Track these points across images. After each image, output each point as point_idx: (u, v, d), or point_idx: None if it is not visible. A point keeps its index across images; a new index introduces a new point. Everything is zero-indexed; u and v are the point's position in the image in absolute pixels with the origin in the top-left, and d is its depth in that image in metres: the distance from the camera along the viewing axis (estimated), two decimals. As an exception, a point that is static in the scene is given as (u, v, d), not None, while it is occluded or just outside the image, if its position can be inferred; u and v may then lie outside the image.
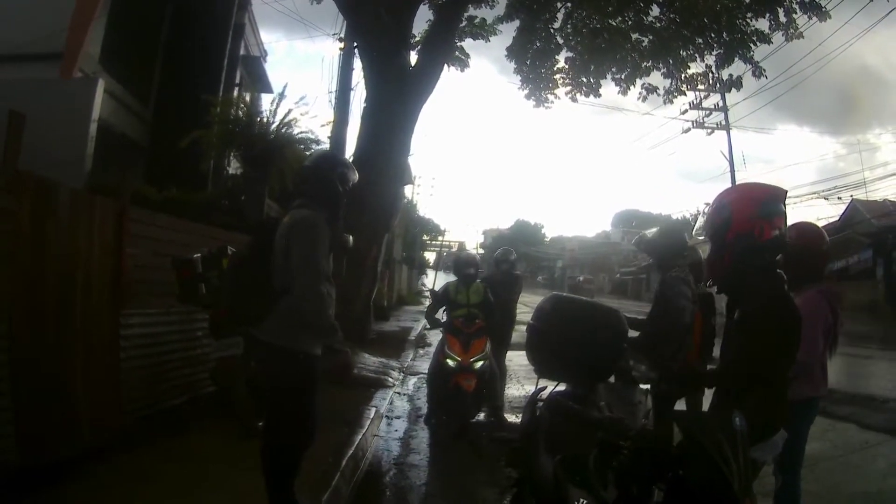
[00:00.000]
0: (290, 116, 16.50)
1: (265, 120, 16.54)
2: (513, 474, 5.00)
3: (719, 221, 4.05)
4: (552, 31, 22.52)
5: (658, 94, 22.52)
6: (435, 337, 14.83)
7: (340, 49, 20.18)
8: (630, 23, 21.04)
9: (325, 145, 18.03)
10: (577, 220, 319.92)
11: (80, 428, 6.99)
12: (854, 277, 42.54)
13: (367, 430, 9.61)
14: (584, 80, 23.09)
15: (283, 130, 16.35)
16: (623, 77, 22.11)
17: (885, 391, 13.92)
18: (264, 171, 15.87)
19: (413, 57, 18.92)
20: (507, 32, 22.95)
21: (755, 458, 3.61)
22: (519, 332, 10.30)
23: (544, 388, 4.66)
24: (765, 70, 20.48)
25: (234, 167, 21.02)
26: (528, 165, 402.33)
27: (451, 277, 12.35)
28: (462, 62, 23.46)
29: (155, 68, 22.34)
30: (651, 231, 7.97)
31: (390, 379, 14.34)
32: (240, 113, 16.94)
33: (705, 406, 6.75)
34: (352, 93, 19.40)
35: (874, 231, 42.12)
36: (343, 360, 5.69)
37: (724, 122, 44.17)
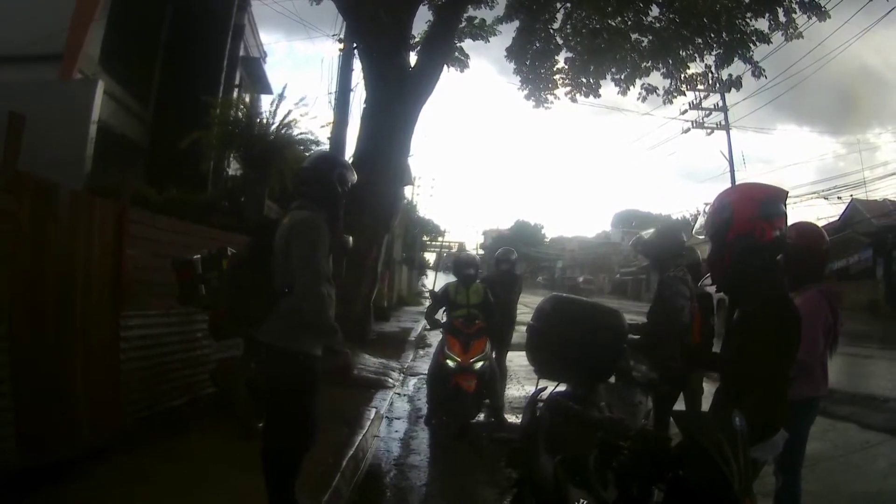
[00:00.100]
0: (290, 117, 16.54)
1: (265, 121, 16.57)
2: (513, 475, 4.99)
3: (720, 221, 4.04)
4: (552, 31, 22.53)
5: (658, 95, 22.53)
6: (435, 337, 14.84)
7: (340, 50, 20.19)
8: (629, 23, 21.04)
9: (325, 146, 18.06)
10: (578, 220, 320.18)
11: (80, 428, 7.00)
12: (854, 277, 42.53)
13: (367, 431, 9.62)
14: (584, 80, 23.09)
15: (282, 131, 16.38)
16: (623, 77, 22.11)
17: (886, 391, 13.90)
18: (264, 173, 15.89)
19: (413, 58, 18.93)
20: (507, 33, 23.02)
21: (755, 458, 3.60)
22: (519, 333, 10.30)
23: (544, 388, 4.65)
24: (764, 70, 20.48)
25: (233, 168, 21.04)
26: (528, 166, 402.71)
27: (451, 278, 12.36)
28: (462, 63, 23.44)
29: (155, 69, 22.37)
30: (648, 232, 8.01)
31: (390, 380, 14.34)
32: (239, 114, 16.97)
33: (705, 406, 6.77)
34: (351, 94, 19.42)
35: (874, 231, 42.11)
36: (343, 361, 5.70)
37: (723, 122, 44.17)
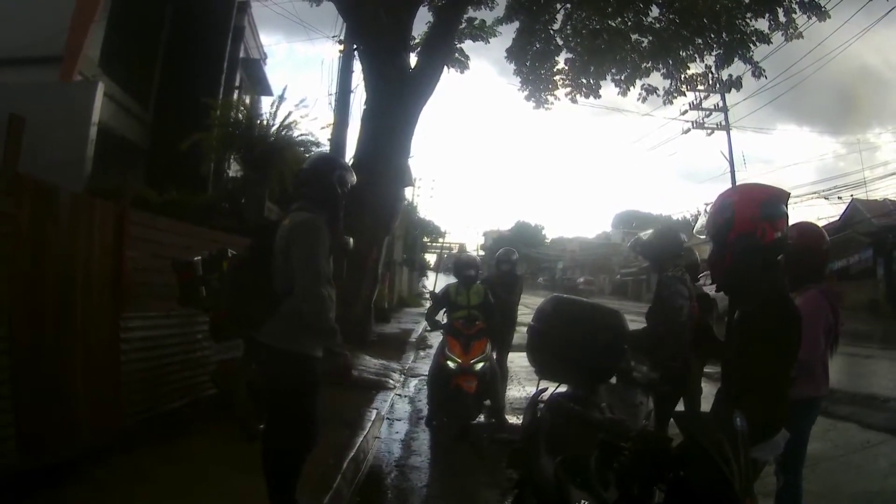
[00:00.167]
0: (290, 119, 16.55)
1: (265, 122, 16.57)
2: (514, 476, 5.00)
3: (721, 221, 4.03)
4: (552, 32, 22.56)
5: (658, 95, 22.57)
6: (436, 339, 14.84)
7: (340, 51, 20.20)
8: (629, 24, 21.07)
9: (326, 147, 18.06)
10: (578, 221, 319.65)
11: (80, 430, 6.99)
12: (854, 277, 42.53)
13: (368, 432, 9.63)
14: (584, 81, 23.12)
15: (283, 133, 16.38)
16: (623, 78, 22.14)
17: (886, 390, 13.91)
18: (264, 174, 15.89)
19: (413, 59, 18.94)
20: (507, 34, 23.14)
21: (756, 458, 3.60)
22: (520, 334, 10.30)
23: (545, 389, 4.65)
24: (764, 70, 20.51)
25: (234, 170, 21.03)
26: (528, 167, 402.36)
27: (452, 279, 12.35)
28: (462, 64, 23.49)
29: (155, 71, 22.37)
30: (647, 233, 8.03)
31: (391, 381, 14.34)
32: (240, 116, 16.98)
33: (704, 406, 6.76)
34: (352, 95, 19.45)
35: (874, 230, 42.10)
36: (342, 363, 5.69)
37: (723, 123, 44.20)
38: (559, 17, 22.23)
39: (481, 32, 22.64)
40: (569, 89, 23.63)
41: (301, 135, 16.98)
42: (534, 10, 21.60)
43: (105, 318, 7.66)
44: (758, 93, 44.53)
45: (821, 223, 11.55)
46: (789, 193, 4.14)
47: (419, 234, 67.51)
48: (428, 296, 15.15)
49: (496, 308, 11.39)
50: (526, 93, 23.96)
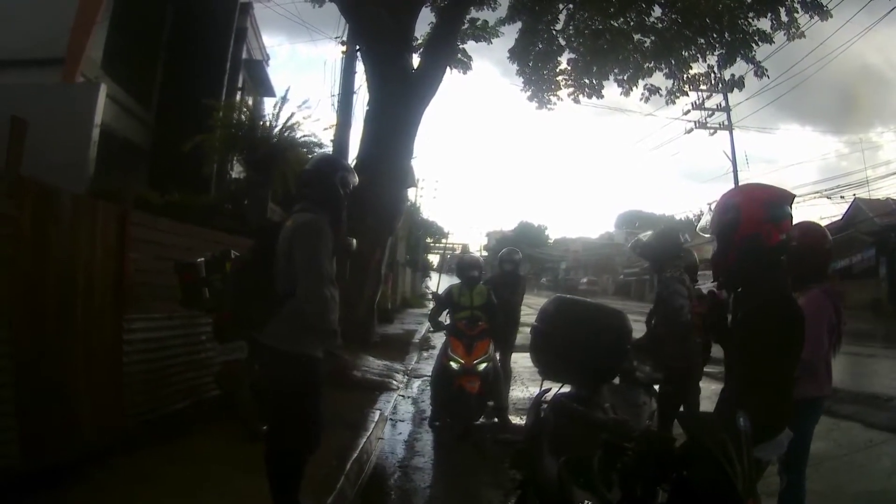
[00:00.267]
0: (293, 120, 16.65)
1: (268, 124, 16.65)
2: (517, 476, 4.99)
3: (726, 221, 4.03)
4: (554, 32, 22.51)
5: (660, 95, 22.51)
6: (439, 339, 14.83)
7: (343, 52, 20.14)
8: (632, 24, 21.04)
9: (328, 149, 18.04)
10: (581, 221, 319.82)
11: (82, 431, 7.00)
12: (857, 276, 42.57)
13: (371, 433, 9.61)
14: (587, 81, 23.08)
15: (285, 134, 16.45)
16: (625, 78, 22.10)
17: (889, 389, 13.90)
18: (267, 175, 15.93)
19: (416, 60, 18.92)
20: (510, 34, 23.05)
21: (760, 458, 3.59)
22: (523, 334, 10.31)
23: (549, 389, 4.64)
24: (767, 70, 20.49)
25: (236, 171, 21.10)
26: (531, 167, 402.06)
27: (455, 280, 12.34)
28: (464, 64, 23.44)
29: (157, 72, 22.44)
30: (646, 234, 8.10)
31: (394, 382, 14.34)
32: (242, 117, 17.05)
33: (703, 406, 6.76)
34: (354, 96, 19.36)
35: (877, 230, 42.15)
36: (340, 366, 5.70)
37: (726, 123, 44.21)
38: (562, 17, 22.20)
39: (484, 33, 22.60)
40: (571, 89, 23.60)
41: (304, 136, 17.09)
42: (536, 10, 21.58)
43: (107, 319, 7.66)
44: (760, 92, 44.83)
45: (823, 222, 11.61)
46: (794, 195, 4.14)
47: (422, 234, 67.51)
48: (431, 297, 15.16)
49: (499, 308, 11.38)
50: (529, 93, 23.92)
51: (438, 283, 41.99)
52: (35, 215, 6.35)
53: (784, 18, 19.46)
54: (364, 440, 9.08)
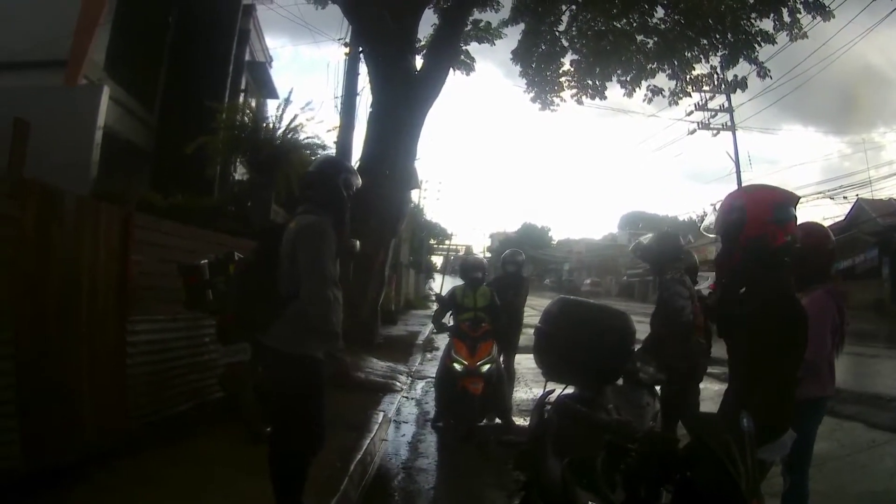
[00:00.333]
0: (296, 122, 16.62)
1: (271, 126, 16.61)
2: (521, 477, 4.99)
3: (731, 221, 4.04)
4: (557, 33, 22.52)
5: (663, 96, 22.52)
6: (443, 341, 14.84)
7: (346, 54, 20.14)
8: (635, 25, 21.04)
9: (332, 150, 18.06)
10: (584, 222, 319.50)
11: (85, 433, 7.01)
12: (860, 276, 42.59)
13: (375, 435, 9.61)
14: (590, 82, 23.09)
15: (289, 136, 16.43)
16: (628, 79, 22.10)
17: (892, 390, 13.91)
18: (270, 177, 15.91)
19: (419, 61, 18.93)
20: (513, 36, 23.06)
21: (763, 459, 3.60)
22: (527, 336, 10.31)
23: (552, 391, 4.65)
24: (769, 70, 20.47)
25: (240, 173, 21.10)
26: (534, 168, 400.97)
27: (459, 281, 12.35)
28: (468, 66, 23.44)
29: (160, 74, 22.43)
30: (647, 237, 8.12)
31: (398, 383, 14.33)
32: (245, 119, 17.01)
33: (708, 407, 6.77)
34: (358, 98, 19.37)
35: (880, 230, 42.16)
36: (343, 367, 5.71)
37: (729, 123, 44.20)
38: (564, 18, 22.22)
39: (487, 34, 22.59)
40: (574, 91, 23.62)
41: (307, 138, 17.06)
42: (539, 11, 21.58)
43: (110, 321, 7.66)
44: (763, 93, 44.90)
45: (826, 223, 11.60)
46: (799, 197, 4.15)
47: (426, 236, 67.48)
48: (434, 298, 15.16)
49: (502, 310, 11.39)
50: (532, 94, 23.93)
51: (442, 284, 42.02)
52: (38, 217, 6.37)
53: (787, 19, 19.46)
54: (368, 441, 9.08)
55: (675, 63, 21.25)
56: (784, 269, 4.11)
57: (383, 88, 17.57)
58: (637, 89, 22.18)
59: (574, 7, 21.57)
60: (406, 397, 13.77)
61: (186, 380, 9.41)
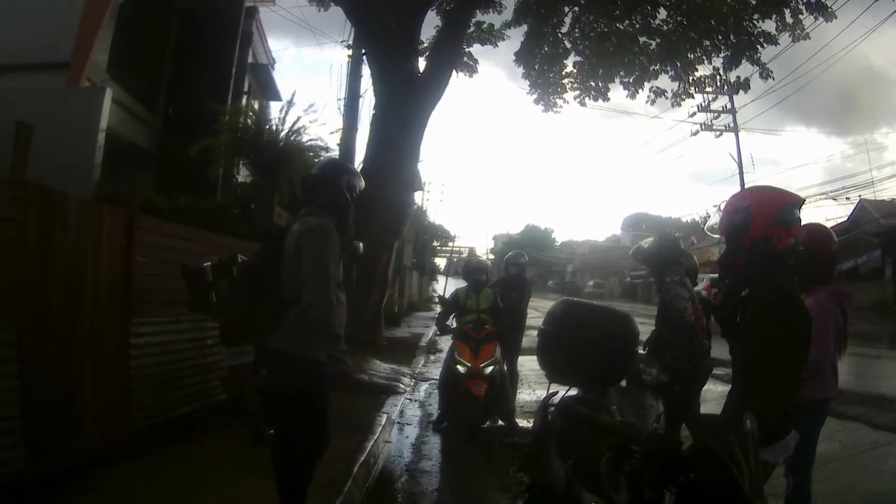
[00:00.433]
0: (299, 124, 16.56)
1: (274, 128, 16.58)
2: (525, 479, 5.01)
3: (736, 222, 4.04)
4: (560, 35, 22.50)
5: (666, 98, 22.53)
6: (446, 343, 14.85)
7: (349, 56, 20.19)
8: (637, 26, 21.04)
9: (335, 153, 18.07)
10: (587, 224, 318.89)
11: (89, 435, 7.01)
12: (863, 277, 42.53)
13: (378, 437, 9.62)
14: (593, 84, 23.10)
15: (292, 138, 16.39)
16: (631, 80, 22.08)
17: (895, 390, 13.90)
18: (273, 179, 15.90)
19: (422, 63, 18.93)
20: (515, 37, 22.97)
21: (766, 461, 3.60)
22: (530, 337, 10.31)
23: (556, 392, 4.65)
24: (772, 72, 20.47)
25: (243, 175, 21.09)
26: (537, 170, 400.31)
27: (462, 283, 12.35)
28: (470, 68, 23.39)
29: (163, 76, 22.42)
30: (647, 241, 8.20)
31: (402, 385, 14.34)
32: (248, 121, 16.98)
33: (711, 409, 6.77)
34: (360, 100, 19.39)
35: (883, 231, 42.11)
36: (346, 370, 5.71)
37: (732, 125, 44.24)
38: (567, 20, 22.21)
39: (489, 36, 22.54)
40: (577, 92, 23.62)
41: (310, 140, 17.02)
42: (541, 13, 21.56)
43: (114, 323, 7.67)
44: (765, 94, 44.85)
45: (829, 224, 11.59)
46: (804, 200, 4.15)
47: (429, 238, 67.53)
48: (437, 300, 15.13)
49: (505, 312, 11.40)
50: (535, 96, 23.93)
51: (445, 286, 42.03)
52: (41, 219, 6.36)
53: (789, 20, 19.46)
54: (371, 443, 9.08)
55: (678, 64, 21.26)
56: (788, 270, 4.11)
57: (386, 90, 17.59)
58: (640, 91, 22.20)
59: (577, 8, 21.57)
60: (409, 399, 13.79)
61: (190, 382, 9.41)
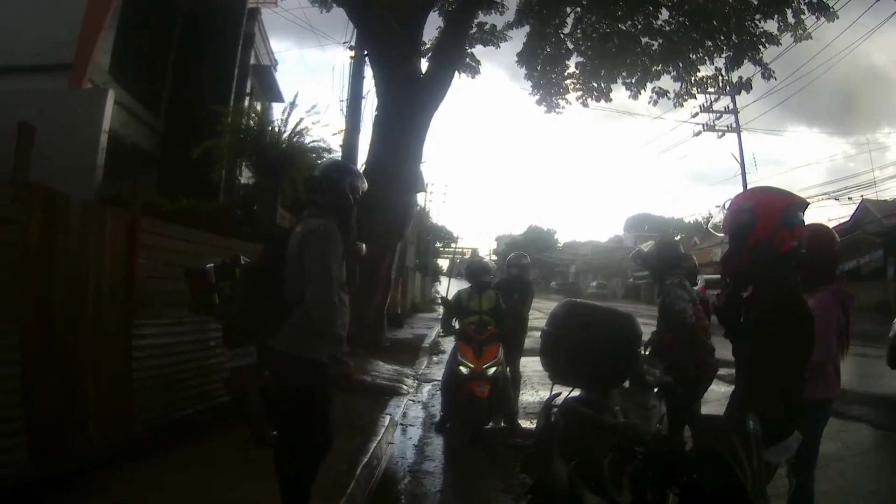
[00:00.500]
0: (302, 125, 16.66)
1: (276, 129, 16.66)
2: (527, 480, 4.99)
3: (740, 222, 4.04)
4: (562, 36, 22.56)
5: (668, 98, 22.61)
6: (449, 344, 14.85)
7: (351, 57, 20.23)
8: (639, 27, 21.09)
9: (337, 154, 18.09)
10: (590, 225, 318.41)
11: (91, 437, 7.02)
12: (865, 277, 42.46)
13: (381, 438, 9.60)
14: (595, 84, 23.16)
15: (294, 140, 16.46)
16: (633, 81, 22.14)
17: (897, 391, 13.91)
18: (276, 181, 15.92)
19: (424, 64, 18.93)
20: (518, 38, 22.95)
21: (769, 461, 3.60)
22: (532, 338, 10.31)
23: (559, 393, 4.65)
24: (774, 72, 20.49)
25: (245, 177, 21.11)
26: (540, 171, 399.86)
27: (465, 284, 12.35)
28: (473, 69, 23.48)
29: (165, 78, 22.48)
30: (647, 244, 8.25)
31: (404, 386, 14.31)
32: (251, 122, 17.06)
33: (714, 409, 6.77)
34: (363, 101, 19.43)
35: (885, 231, 42.05)
36: (345, 372, 5.72)
37: (734, 125, 44.22)
38: (569, 21, 22.26)
39: (492, 37, 22.58)
40: (580, 93, 23.70)
41: (312, 141, 17.10)
42: (544, 14, 21.59)
43: (116, 325, 7.68)
44: (767, 94, 44.71)
45: (831, 224, 11.59)
46: (808, 202, 4.15)
47: (432, 239, 67.53)
48: (440, 301, 15.10)
49: (507, 313, 11.40)
50: (537, 97, 23.99)
51: (448, 287, 42.03)
52: (43, 221, 6.37)
53: (791, 20, 19.49)
54: (374, 445, 9.07)
55: (680, 65, 21.30)
56: (791, 271, 4.11)
57: (388, 91, 17.60)
58: (642, 91, 22.28)
59: (579, 9, 21.61)
60: (412, 400, 13.76)
61: (192, 383, 9.42)
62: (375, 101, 18.34)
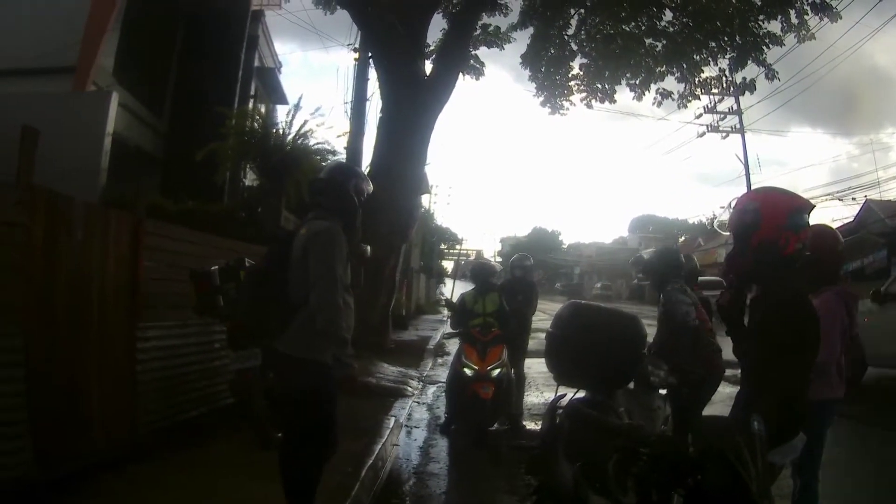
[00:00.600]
0: (306, 128, 16.67)
1: (281, 131, 16.68)
2: (532, 482, 4.99)
3: (745, 222, 4.03)
4: (566, 37, 22.53)
5: (672, 99, 22.55)
6: (453, 346, 14.84)
7: (355, 59, 20.16)
8: (643, 28, 21.03)
9: (342, 156, 18.07)
10: (594, 226, 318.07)
11: (96, 439, 7.03)
12: (869, 278, 42.27)
13: (386, 440, 9.61)
14: (599, 86, 23.11)
15: (299, 142, 16.47)
16: (637, 82, 22.08)
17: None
18: (280, 183, 15.92)
19: (428, 66, 18.93)
20: (522, 40, 22.92)
21: (774, 462, 3.60)
22: (537, 340, 10.30)
23: (564, 395, 4.64)
24: (777, 72, 20.47)
25: (250, 179, 21.12)
26: (544, 172, 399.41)
27: (470, 286, 12.35)
28: (477, 70, 23.42)
29: (169, 80, 22.48)
30: (647, 251, 8.31)
31: (409, 388, 14.33)
32: (255, 125, 17.07)
33: (719, 410, 6.76)
34: (367, 103, 19.39)
35: (889, 231, 41.91)
36: (349, 374, 5.71)
37: (738, 126, 44.16)
38: (573, 22, 22.22)
39: (496, 39, 22.51)
40: (584, 94, 23.65)
41: (317, 143, 17.12)
42: (548, 15, 21.56)
43: (121, 327, 7.68)
44: (771, 95, 44.64)
45: (835, 224, 11.60)
46: (814, 205, 4.15)
47: (436, 241, 67.38)
48: (444, 303, 15.08)
49: (511, 314, 11.39)
50: (541, 99, 23.93)
51: (453, 289, 42.02)
52: (47, 224, 6.38)
53: (794, 21, 19.46)
54: (379, 447, 9.07)
55: (684, 66, 21.26)
56: (796, 271, 4.10)
57: (393, 93, 17.63)
58: (646, 92, 22.20)
59: (583, 11, 21.58)
60: (417, 402, 13.76)
61: (196, 386, 9.42)
62: (380, 104, 18.39)
